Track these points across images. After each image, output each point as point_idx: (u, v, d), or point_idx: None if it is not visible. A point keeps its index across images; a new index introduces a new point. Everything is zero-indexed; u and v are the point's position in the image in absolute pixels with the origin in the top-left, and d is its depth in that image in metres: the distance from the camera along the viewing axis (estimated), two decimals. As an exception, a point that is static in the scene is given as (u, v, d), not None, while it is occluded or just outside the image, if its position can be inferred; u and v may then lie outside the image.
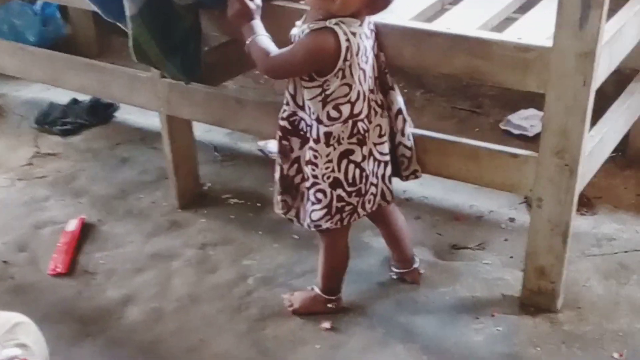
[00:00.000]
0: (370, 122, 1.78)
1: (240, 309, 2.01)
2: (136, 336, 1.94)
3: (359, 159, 1.77)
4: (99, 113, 2.94)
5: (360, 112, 1.75)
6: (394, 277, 2.08)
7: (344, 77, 1.70)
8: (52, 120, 2.90)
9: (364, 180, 1.79)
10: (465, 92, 2.95)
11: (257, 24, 1.79)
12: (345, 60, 1.67)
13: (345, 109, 1.73)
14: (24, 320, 1.49)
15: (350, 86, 1.71)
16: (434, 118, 2.85)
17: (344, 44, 1.65)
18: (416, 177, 1.94)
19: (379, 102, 1.81)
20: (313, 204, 1.81)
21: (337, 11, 1.66)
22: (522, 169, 1.82)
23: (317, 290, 1.97)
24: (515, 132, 2.70)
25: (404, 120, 1.86)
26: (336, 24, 1.66)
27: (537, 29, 1.83)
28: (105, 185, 2.55)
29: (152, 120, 2.55)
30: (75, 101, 2.99)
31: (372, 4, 1.69)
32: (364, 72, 1.72)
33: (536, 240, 1.88)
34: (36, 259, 2.21)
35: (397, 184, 1.93)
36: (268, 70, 1.78)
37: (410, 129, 1.89)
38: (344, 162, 1.76)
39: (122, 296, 2.06)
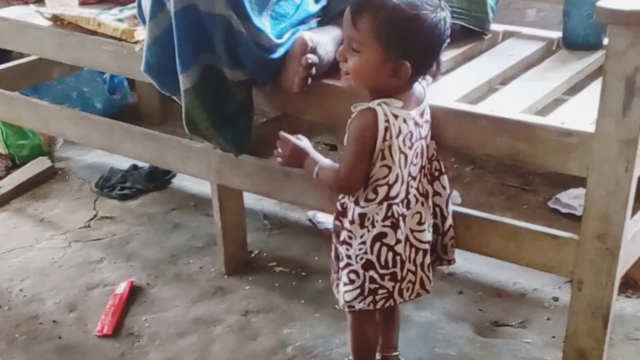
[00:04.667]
0: (408, 208, 1.76)
1: (278, 378, 2.04)
2: (174, 401, 1.98)
3: (392, 242, 1.75)
4: (156, 179, 3.04)
5: (397, 196, 1.73)
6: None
7: (383, 157, 1.69)
8: (111, 184, 3.00)
9: (398, 265, 1.76)
10: (515, 169, 2.96)
11: (315, 155, 1.83)
12: (384, 140, 1.67)
13: (382, 191, 1.72)
14: None
15: (389, 168, 1.70)
16: (482, 194, 2.86)
17: (382, 125, 1.66)
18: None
19: (422, 190, 1.79)
20: (345, 284, 1.80)
21: (358, 85, 1.70)
22: (563, 251, 1.81)
23: (351, 364, 1.98)
24: (564, 210, 2.69)
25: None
26: (379, 104, 1.67)
27: (583, 113, 1.84)
28: (156, 250, 2.62)
29: (206, 187, 2.62)
30: (135, 167, 3.10)
31: (395, 73, 1.66)
32: (406, 156, 1.71)
33: (576, 323, 1.86)
34: (84, 320, 2.28)
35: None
36: (343, 185, 1.75)
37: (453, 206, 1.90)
38: (377, 244, 1.74)
39: (164, 360, 2.11)
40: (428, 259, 1.83)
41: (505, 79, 2.13)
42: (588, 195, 1.74)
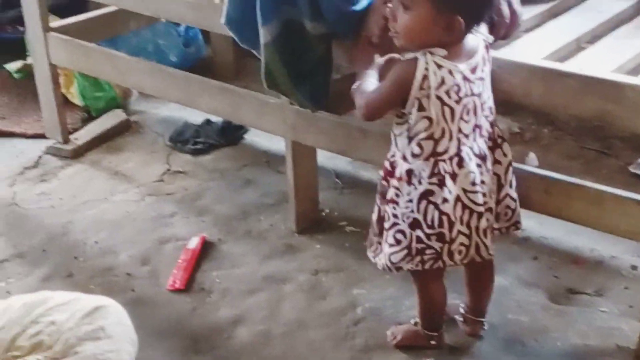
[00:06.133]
0: (460, 167, 1.70)
1: (347, 338, 2.02)
2: (243, 358, 1.98)
3: (439, 200, 1.70)
4: (229, 134, 3.04)
5: (445, 152, 1.69)
6: (459, 318, 2.02)
7: (421, 108, 1.66)
8: (185, 139, 3.01)
9: (445, 225, 1.71)
10: (595, 132, 2.87)
11: (372, 72, 1.79)
12: (420, 88, 1.64)
13: (427, 146, 1.69)
14: (105, 303, 1.48)
15: (430, 120, 1.66)
16: (560, 157, 2.78)
17: (420, 72, 1.63)
18: (517, 229, 1.88)
19: (479, 152, 1.74)
20: (391, 245, 1.77)
21: (409, 45, 1.67)
22: (648, 218, 1.75)
23: (419, 325, 1.96)
24: (646, 176, 2.61)
25: (513, 172, 1.82)
26: (424, 53, 1.64)
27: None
28: (228, 205, 2.62)
29: (278, 144, 2.61)
30: (208, 122, 3.10)
31: (447, 28, 1.62)
32: (452, 110, 1.66)
33: (658, 294, 1.81)
34: (157, 273, 2.30)
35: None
36: (363, 109, 1.74)
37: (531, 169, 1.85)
38: (424, 202, 1.71)
39: (234, 316, 2.11)
40: (484, 223, 1.76)
41: (594, 37, 2.04)
42: (679, 161, 1.67)
